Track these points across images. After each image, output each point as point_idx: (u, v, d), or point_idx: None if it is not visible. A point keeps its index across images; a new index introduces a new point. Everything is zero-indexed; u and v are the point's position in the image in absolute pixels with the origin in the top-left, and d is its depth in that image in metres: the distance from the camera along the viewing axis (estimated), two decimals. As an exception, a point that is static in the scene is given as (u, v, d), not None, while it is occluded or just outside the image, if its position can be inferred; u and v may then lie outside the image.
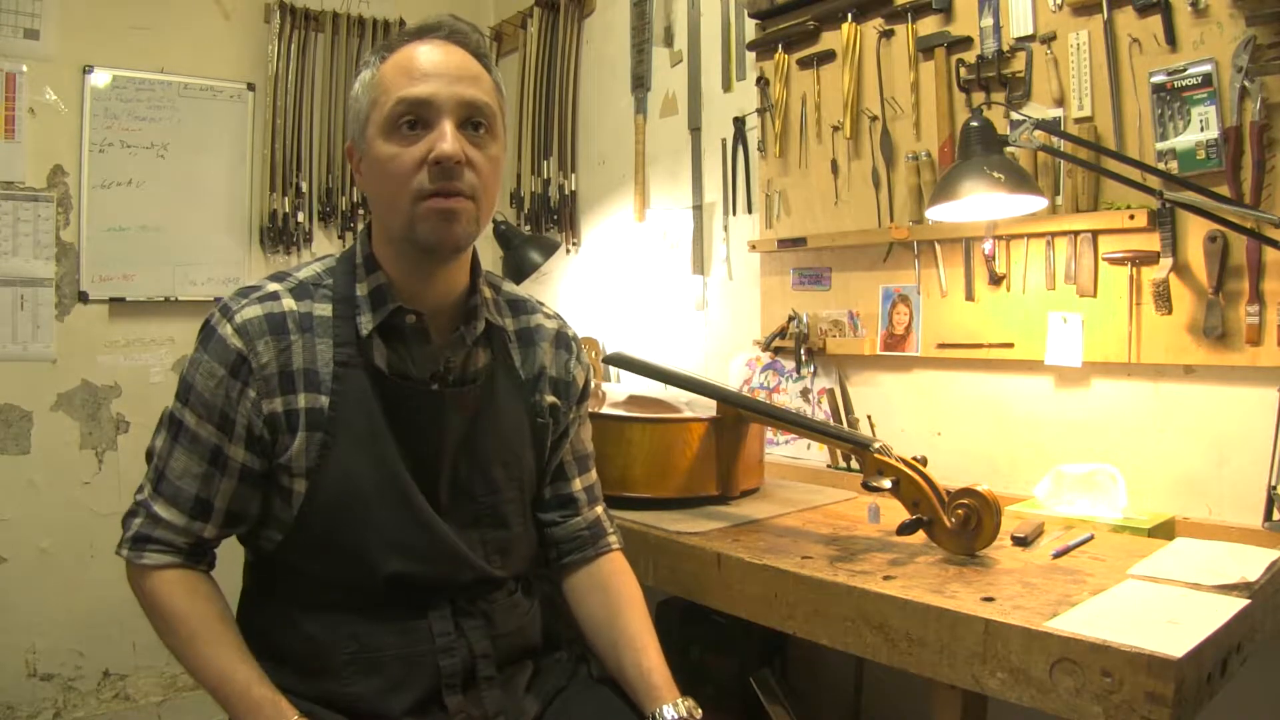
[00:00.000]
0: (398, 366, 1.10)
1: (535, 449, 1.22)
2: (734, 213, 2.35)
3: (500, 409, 1.18)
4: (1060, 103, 1.67)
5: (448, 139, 1.02)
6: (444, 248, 1.06)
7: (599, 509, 1.31)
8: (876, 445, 1.43)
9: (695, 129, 2.46)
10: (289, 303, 1.09)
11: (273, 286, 1.10)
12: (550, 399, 1.24)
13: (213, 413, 1.05)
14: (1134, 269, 1.58)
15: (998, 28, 1.74)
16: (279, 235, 2.77)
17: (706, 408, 1.73)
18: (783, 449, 2.20)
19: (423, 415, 1.10)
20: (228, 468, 1.06)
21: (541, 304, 1.30)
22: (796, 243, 2.11)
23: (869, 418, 2.01)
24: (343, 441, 1.06)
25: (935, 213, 1.51)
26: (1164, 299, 1.55)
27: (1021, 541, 1.38)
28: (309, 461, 1.06)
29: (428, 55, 1.05)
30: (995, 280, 1.78)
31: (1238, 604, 1.08)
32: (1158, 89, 1.53)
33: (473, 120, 1.05)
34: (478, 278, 1.16)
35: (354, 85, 1.11)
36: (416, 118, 1.03)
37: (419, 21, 1.10)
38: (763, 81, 2.21)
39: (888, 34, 1.95)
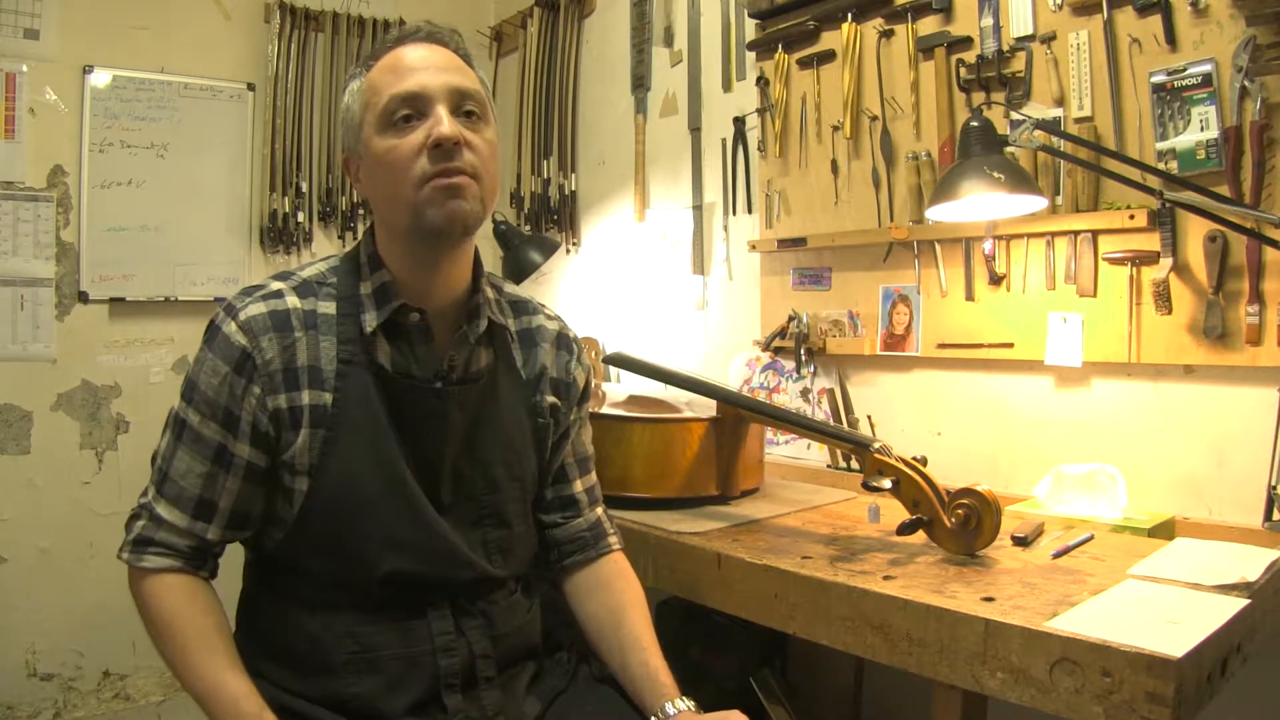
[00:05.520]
0: (401, 365, 1.10)
1: (536, 449, 1.22)
2: (734, 213, 2.35)
3: (502, 408, 1.18)
4: (1060, 103, 1.67)
5: (444, 122, 1.04)
6: (453, 228, 1.06)
7: (599, 510, 1.32)
8: (876, 445, 1.43)
9: (695, 129, 2.46)
10: (293, 300, 1.09)
11: (277, 285, 1.11)
12: (551, 399, 1.24)
13: (217, 411, 1.05)
14: (1134, 269, 1.58)
15: (998, 28, 1.74)
16: (279, 235, 2.77)
17: (706, 408, 1.73)
18: (783, 449, 2.20)
19: (425, 413, 1.10)
20: (233, 466, 1.06)
21: (543, 305, 1.31)
22: (796, 243, 2.11)
23: (869, 418, 2.01)
24: (345, 439, 1.06)
25: (935, 213, 1.51)
26: (1164, 299, 1.55)
27: (1021, 541, 1.38)
28: (311, 459, 1.06)
29: (413, 53, 1.08)
30: (995, 280, 1.78)
31: (1238, 604, 1.08)
32: (1158, 89, 1.53)
33: (464, 108, 1.07)
34: (479, 277, 1.17)
35: (344, 98, 1.12)
36: (411, 110, 1.05)
37: (399, 30, 1.13)
38: (763, 81, 2.21)
39: (888, 34, 1.95)
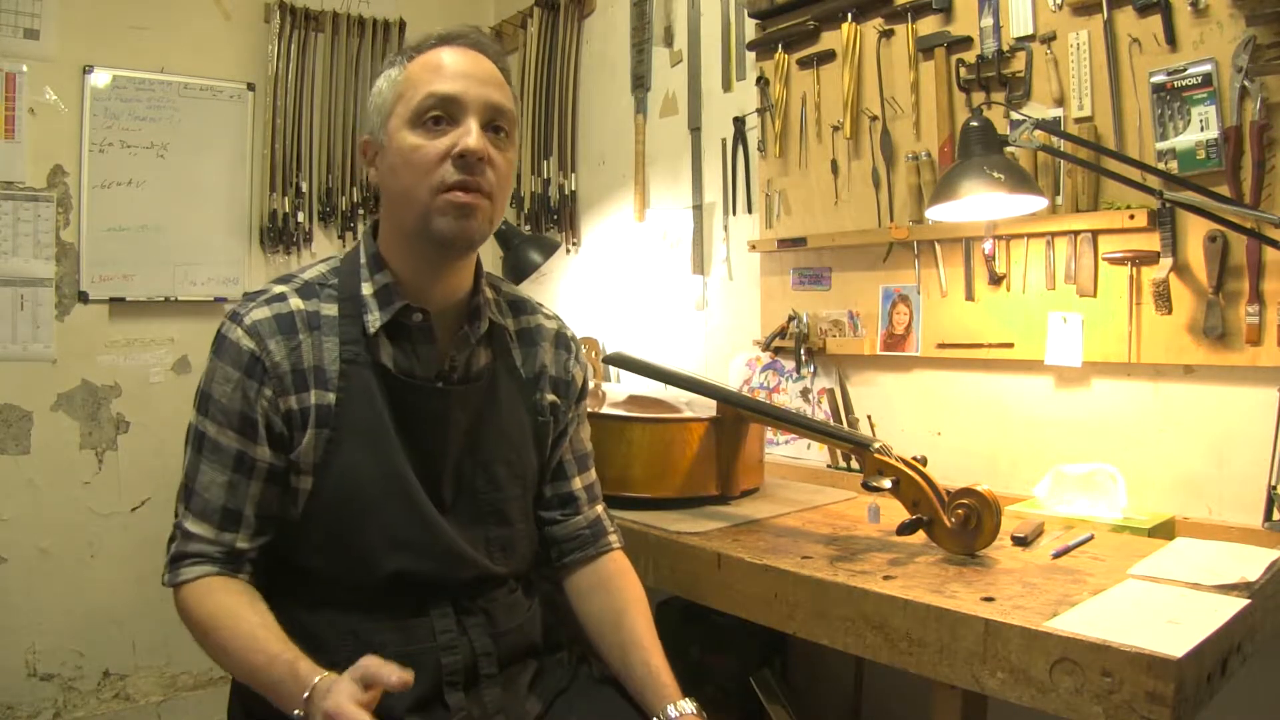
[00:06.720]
0: (403, 365, 1.11)
1: (537, 447, 1.23)
2: (734, 213, 2.35)
3: (503, 407, 1.18)
4: (1060, 103, 1.67)
5: (473, 135, 1.05)
6: (459, 242, 1.07)
7: (599, 508, 1.32)
8: (876, 445, 1.43)
9: (695, 129, 2.46)
10: (296, 302, 1.10)
11: (279, 289, 1.12)
12: (550, 398, 1.25)
13: (232, 418, 1.06)
14: (1134, 269, 1.58)
15: (998, 28, 1.75)
16: (279, 235, 2.77)
17: (706, 408, 1.73)
18: (783, 449, 2.20)
19: (427, 413, 1.11)
20: (255, 470, 1.07)
21: (541, 305, 1.31)
22: (796, 243, 2.11)
23: (869, 418, 2.01)
24: (348, 438, 1.07)
25: (935, 213, 1.51)
26: (1164, 299, 1.55)
27: (1021, 541, 1.38)
28: (315, 458, 1.07)
29: (456, 58, 1.09)
30: (995, 280, 1.78)
31: (1238, 604, 1.08)
32: (1158, 89, 1.53)
33: (495, 124, 1.08)
34: (480, 278, 1.18)
35: (377, 82, 1.12)
36: (444, 113, 1.06)
37: (445, 29, 1.13)
38: (763, 81, 2.21)
39: (888, 34, 1.95)
